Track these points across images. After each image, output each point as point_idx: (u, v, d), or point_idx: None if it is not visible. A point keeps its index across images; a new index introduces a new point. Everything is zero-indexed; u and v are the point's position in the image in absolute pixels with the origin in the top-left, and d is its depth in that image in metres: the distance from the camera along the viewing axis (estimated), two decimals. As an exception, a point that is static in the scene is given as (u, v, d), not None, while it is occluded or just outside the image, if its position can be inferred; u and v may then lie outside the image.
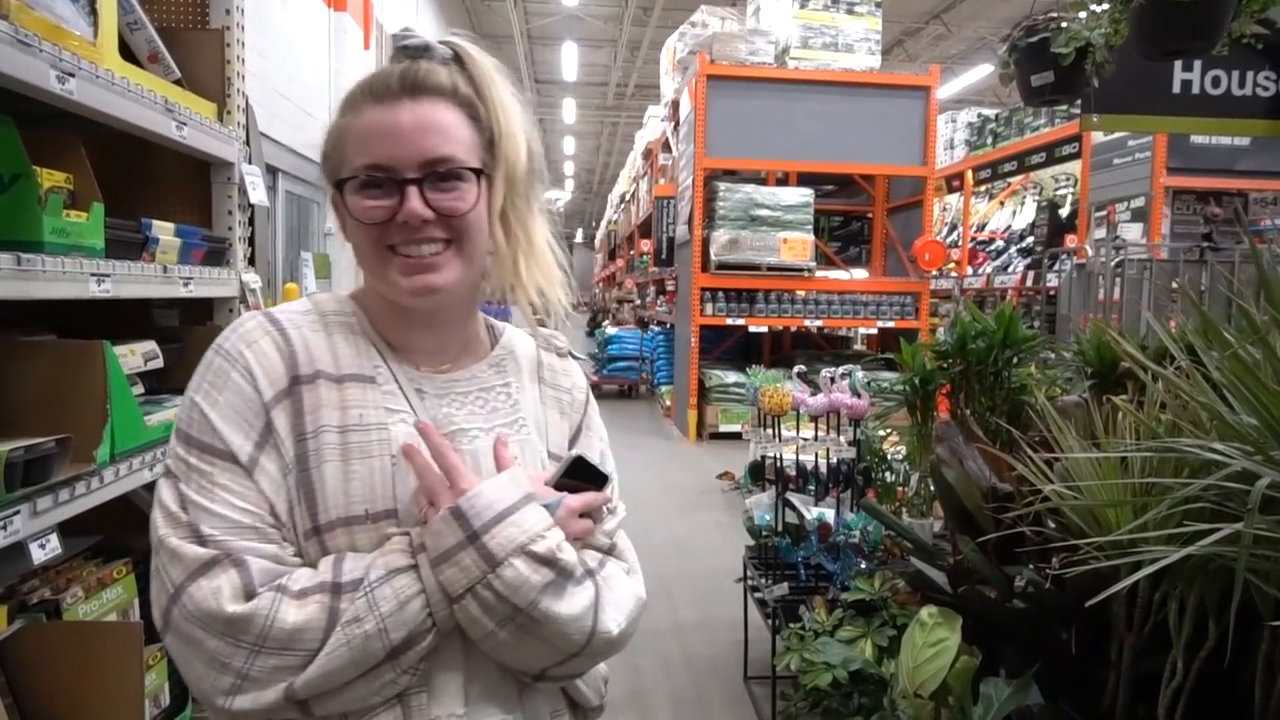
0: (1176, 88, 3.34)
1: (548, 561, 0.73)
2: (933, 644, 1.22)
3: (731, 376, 6.93)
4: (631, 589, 0.83)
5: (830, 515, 1.98)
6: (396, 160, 0.75)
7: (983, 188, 8.62)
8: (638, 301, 12.23)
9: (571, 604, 0.75)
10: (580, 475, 0.82)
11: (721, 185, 6.83)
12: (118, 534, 1.84)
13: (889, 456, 2.29)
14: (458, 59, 0.81)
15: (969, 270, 7.91)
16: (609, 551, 0.84)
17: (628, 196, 13.32)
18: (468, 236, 0.79)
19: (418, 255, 0.77)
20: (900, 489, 2.27)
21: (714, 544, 4.03)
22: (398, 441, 0.77)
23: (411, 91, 0.77)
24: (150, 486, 1.68)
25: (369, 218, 0.76)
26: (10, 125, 1.29)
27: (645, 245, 10.75)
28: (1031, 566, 1.27)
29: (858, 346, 8.77)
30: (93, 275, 1.38)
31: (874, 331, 7.88)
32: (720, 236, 6.65)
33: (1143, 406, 1.19)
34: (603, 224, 20.88)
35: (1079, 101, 3.21)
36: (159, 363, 1.76)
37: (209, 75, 1.85)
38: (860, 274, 8.04)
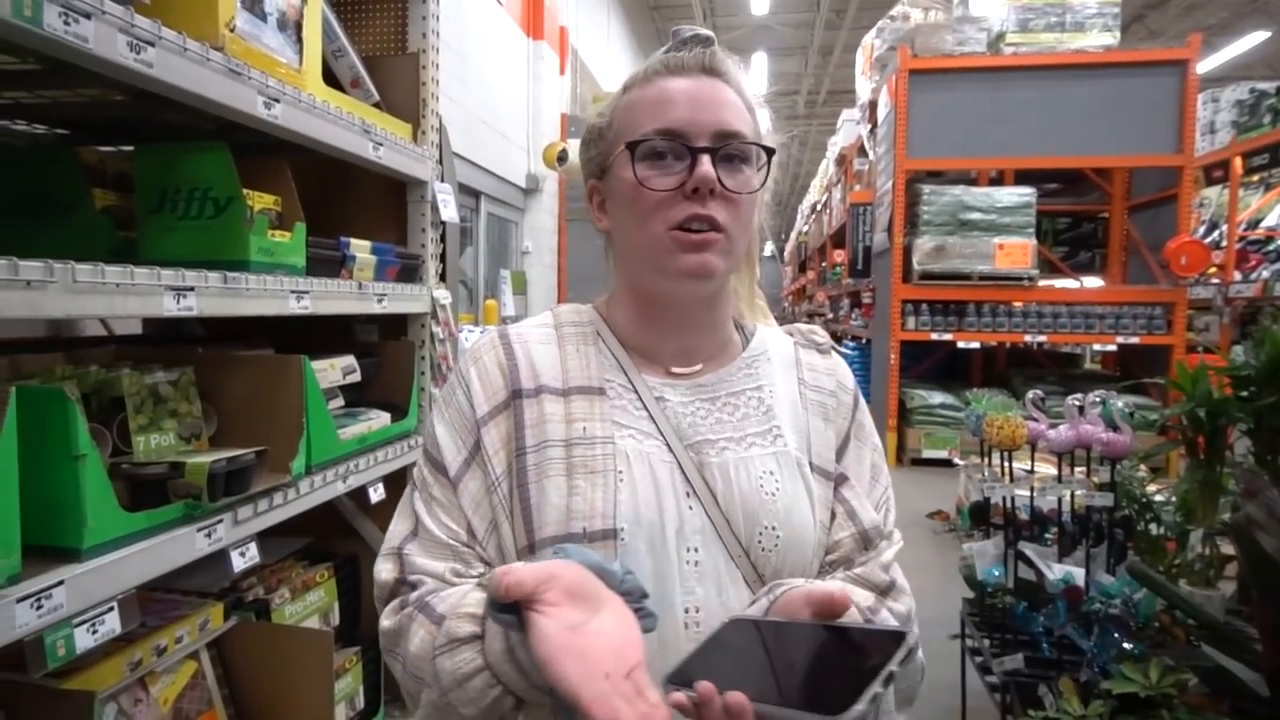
0: None
1: None
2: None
3: (937, 397, 6.31)
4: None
5: (1078, 575, 1.60)
6: (691, 126, 0.74)
7: (1255, 177, 7.17)
8: (830, 315, 11.70)
9: None
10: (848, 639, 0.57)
11: (926, 188, 6.28)
12: (325, 539, 1.92)
13: (1154, 504, 1.84)
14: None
15: (1237, 275, 6.62)
16: (887, 590, 0.77)
17: (819, 206, 12.84)
18: (741, 220, 0.76)
19: (699, 232, 0.73)
20: (1169, 542, 1.81)
21: (920, 589, 3.54)
22: (625, 456, 0.73)
23: (709, 71, 0.77)
24: (344, 498, 1.74)
25: (659, 185, 0.73)
26: (225, 152, 1.36)
27: (839, 256, 10.26)
28: None
29: (1089, 365, 7.67)
30: (292, 292, 1.42)
31: (1112, 348, 6.84)
32: (924, 244, 6.10)
33: None
34: (792, 236, 20.39)
35: None
36: (357, 376, 1.81)
37: (405, 97, 1.91)
38: (1093, 282, 7.02)
